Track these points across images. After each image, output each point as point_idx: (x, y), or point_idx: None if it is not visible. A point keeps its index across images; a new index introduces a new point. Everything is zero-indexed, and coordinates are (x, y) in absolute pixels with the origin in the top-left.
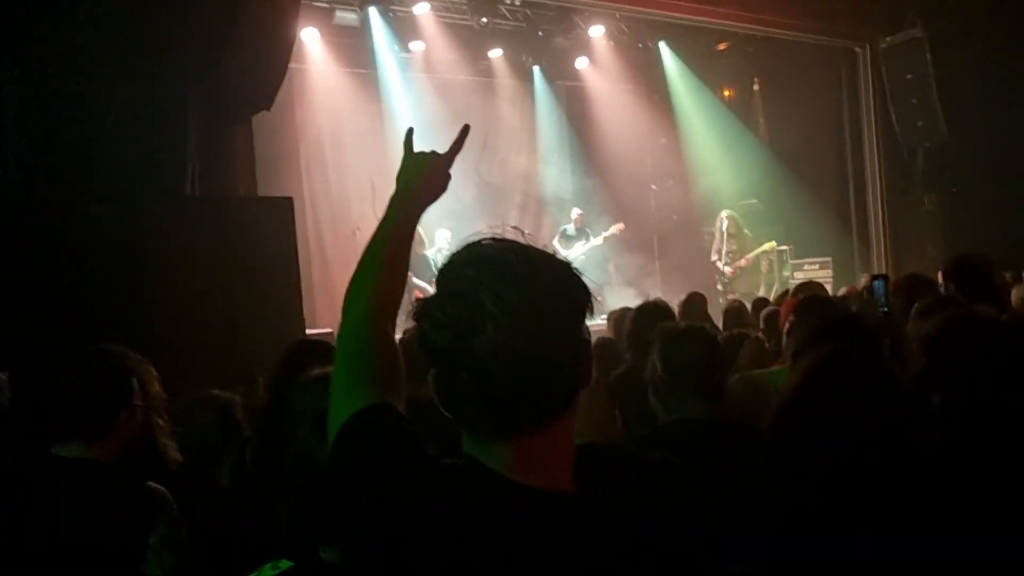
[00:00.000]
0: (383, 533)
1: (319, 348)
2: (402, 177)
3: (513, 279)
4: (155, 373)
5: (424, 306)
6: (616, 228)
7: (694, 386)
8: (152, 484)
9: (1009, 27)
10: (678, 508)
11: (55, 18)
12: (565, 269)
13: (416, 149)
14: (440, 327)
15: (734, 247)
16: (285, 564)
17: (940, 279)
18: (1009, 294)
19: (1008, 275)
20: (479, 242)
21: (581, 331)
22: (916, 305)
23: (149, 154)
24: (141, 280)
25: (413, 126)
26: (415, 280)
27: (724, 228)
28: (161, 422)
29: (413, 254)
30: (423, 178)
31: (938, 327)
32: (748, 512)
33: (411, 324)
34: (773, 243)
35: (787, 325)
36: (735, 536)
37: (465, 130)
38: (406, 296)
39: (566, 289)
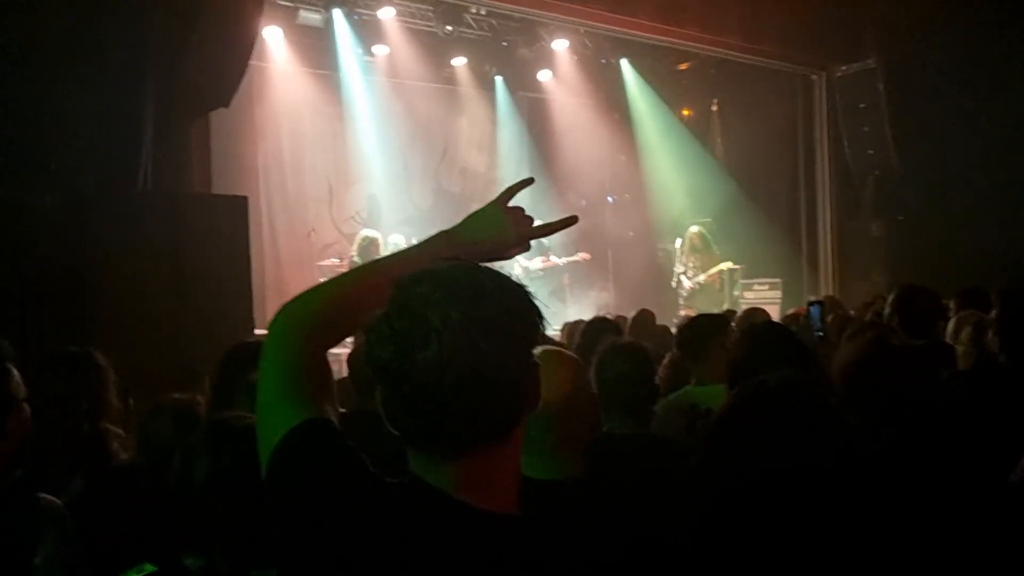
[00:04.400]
0: (325, 551)
1: (259, 349)
2: (476, 223)
3: (461, 297)
4: (113, 379)
5: (373, 320)
6: (581, 256)
7: (621, 402)
8: (44, 497)
9: (960, 61)
10: (617, 532)
11: (7, 11)
12: (517, 292)
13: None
14: (385, 340)
15: (697, 263)
16: (148, 568)
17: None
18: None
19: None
20: (436, 264)
21: (529, 355)
22: (847, 331)
23: (102, 147)
24: (88, 273)
25: (531, 178)
26: None
27: (689, 242)
28: (116, 429)
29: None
30: (499, 234)
31: (853, 356)
32: (678, 530)
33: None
34: (730, 263)
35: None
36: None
37: (571, 220)
38: None
39: (515, 312)
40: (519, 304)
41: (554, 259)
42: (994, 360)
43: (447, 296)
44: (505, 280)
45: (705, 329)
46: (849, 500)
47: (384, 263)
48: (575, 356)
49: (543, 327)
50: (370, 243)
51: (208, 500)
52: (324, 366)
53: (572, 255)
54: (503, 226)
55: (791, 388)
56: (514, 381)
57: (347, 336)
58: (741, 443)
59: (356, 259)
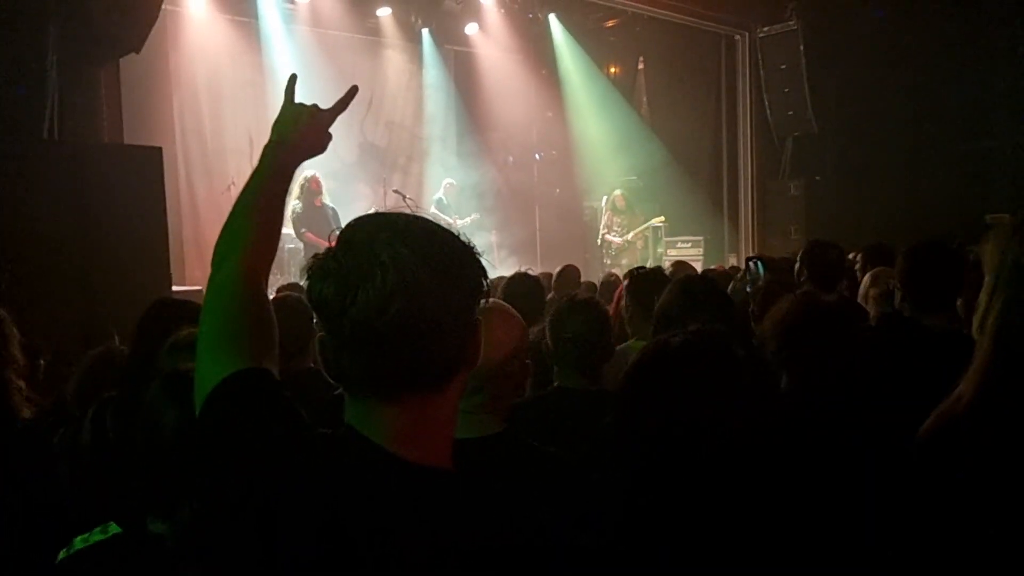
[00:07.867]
0: (251, 503)
1: (185, 309)
2: (279, 126)
3: (411, 237)
4: (17, 334)
5: (316, 258)
6: (471, 218)
7: (576, 359)
8: None
9: (876, 26)
10: (549, 499)
11: None
12: (465, 246)
13: (298, 101)
14: (328, 276)
15: (623, 222)
16: (114, 529)
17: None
18: (858, 280)
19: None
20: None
21: (472, 309)
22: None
23: (2, 95)
24: None
25: (296, 74)
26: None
27: (613, 203)
28: (19, 382)
29: (311, 206)
30: (301, 131)
31: (789, 313)
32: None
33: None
34: (659, 219)
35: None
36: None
37: (352, 91)
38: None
39: (462, 261)
40: (467, 257)
41: (459, 221)
42: (899, 314)
43: (396, 235)
44: (456, 236)
45: (658, 283)
46: (755, 455)
47: (257, 182)
48: (519, 319)
49: (487, 286)
50: (309, 181)
51: (179, 454)
52: (267, 314)
53: (470, 214)
54: (308, 115)
55: (694, 346)
56: (455, 329)
57: (271, 261)
58: (645, 400)
59: (297, 201)
